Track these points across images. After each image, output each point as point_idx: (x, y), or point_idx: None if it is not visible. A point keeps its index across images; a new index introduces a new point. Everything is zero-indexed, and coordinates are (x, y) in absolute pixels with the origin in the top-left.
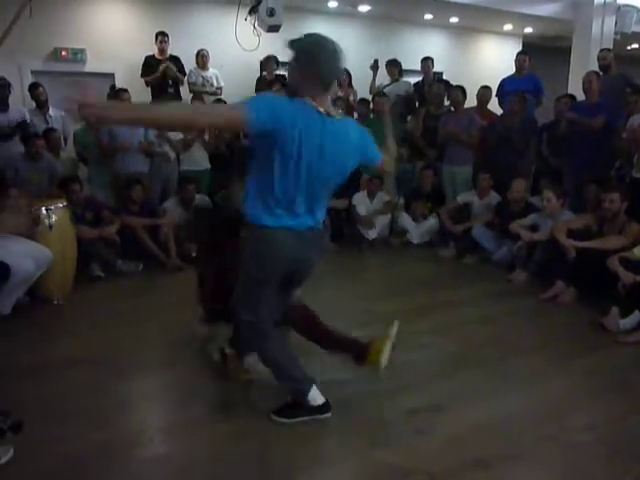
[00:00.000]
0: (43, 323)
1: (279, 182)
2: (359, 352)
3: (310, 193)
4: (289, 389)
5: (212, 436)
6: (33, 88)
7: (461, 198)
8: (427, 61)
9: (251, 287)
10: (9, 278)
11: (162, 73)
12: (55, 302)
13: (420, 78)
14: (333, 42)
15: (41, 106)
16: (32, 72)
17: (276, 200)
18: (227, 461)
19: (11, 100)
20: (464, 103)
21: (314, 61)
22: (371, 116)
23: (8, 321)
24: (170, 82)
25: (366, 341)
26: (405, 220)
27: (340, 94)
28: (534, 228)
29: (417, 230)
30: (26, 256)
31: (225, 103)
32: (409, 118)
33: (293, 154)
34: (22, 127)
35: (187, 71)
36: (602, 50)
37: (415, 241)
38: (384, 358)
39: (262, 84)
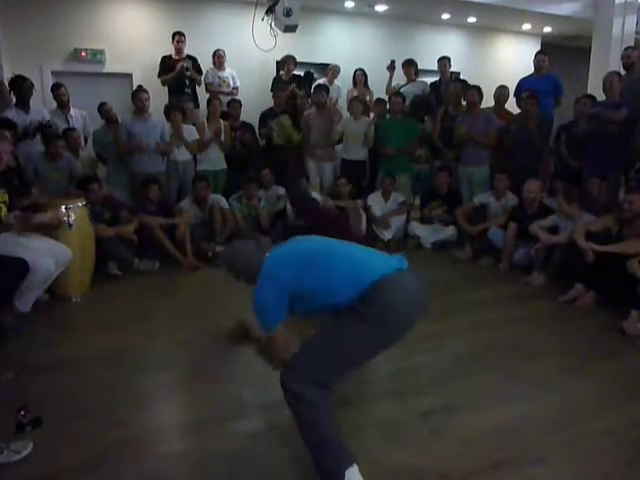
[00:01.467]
0: (62, 321)
1: None
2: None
3: None
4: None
5: (228, 434)
6: (55, 88)
7: (478, 199)
8: (444, 60)
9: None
10: (27, 274)
11: (179, 72)
12: (74, 300)
13: (437, 78)
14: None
15: (63, 106)
16: (52, 73)
17: None
18: (243, 459)
19: (32, 101)
20: (480, 103)
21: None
22: (387, 116)
23: (28, 318)
24: (187, 82)
25: None
26: (416, 228)
27: (355, 94)
28: (554, 229)
29: (430, 236)
30: (46, 254)
31: (240, 103)
32: (426, 119)
33: None
34: (43, 128)
35: (204, 71)
36: (627, 48)
37: (428, 246)
38: None
39: (279, 84)
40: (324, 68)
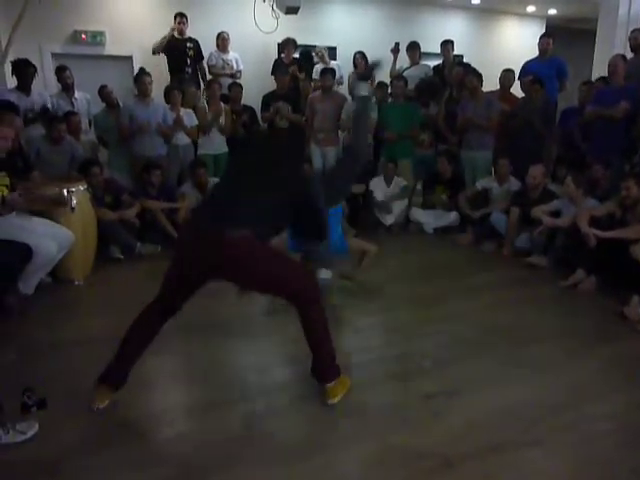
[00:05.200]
0: (65, 303)
1: None
2: (331, 370)
3: None
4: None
5: (230, 417)
6: (60, 71)
7: (480, 184)
8: (447, 45)
9: None
10: (31, 259)
11: (168, 39)
12: (76, 283)
13: (440, 61)
14: None
15: (67, 89)
16: (52, 55)
17: None
18: (244, 442)
19: (32, 83)
20: (480, 87)
21: None
22: (389, 100)
23: (31, 301)
24: (188, 61)
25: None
26: (418, 213)
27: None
28: (557, 214)
29: (432, 222)
30: (49, 237)
31: (241, 86)
32: (431, 103)
33: None
34: (45, 112)
35: (205, 53)
36: (634, 30)
37: (430, 231)
38: (337, 399)
39: (280, 67)
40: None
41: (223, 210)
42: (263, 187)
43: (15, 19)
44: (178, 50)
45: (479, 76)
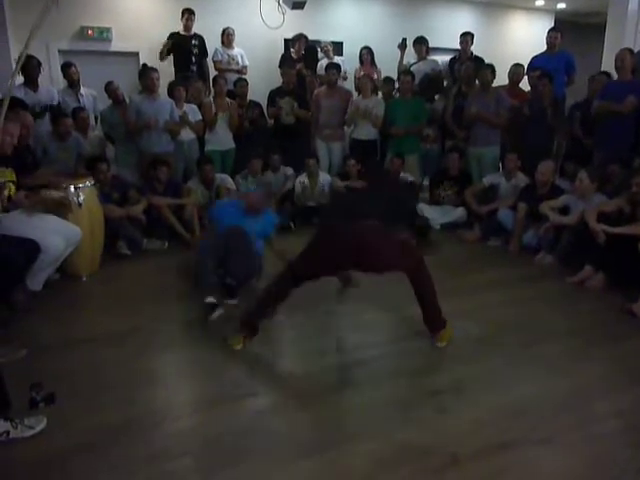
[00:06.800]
0: (72, 299)
1: None
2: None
3: None
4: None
5: (238, 412)
6: (66, 67)
7: (487, 180)
8: (466, 36)
9: None
10: (39, 256)
11: (172, 42)
12: (84, 279)
13: (449, 56)
14: None
15: (73, 85)
16: (59, 51)
17: None
18: (252, 436)
19: (40, 79)
20: (492, 83)
21: None
22: (397, 95)
23: (40, 297)
24: (193, 59)
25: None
26: (425, 209)
27: (362, 72)
28: (565, 210)
29: (439, 218)
30: (56, 234)
31: (247, 82)
32: (436, 97)
33: None
34: (52, 108)
35: (210, 49)
36: None
37: (437, 227)
38: (444, 343)
39: (287, 61)
40: (334, 46)
41: (353, 212)
42: (380, 199)
43: (34, 24)
44: (184, 49)
45: (493, 71)
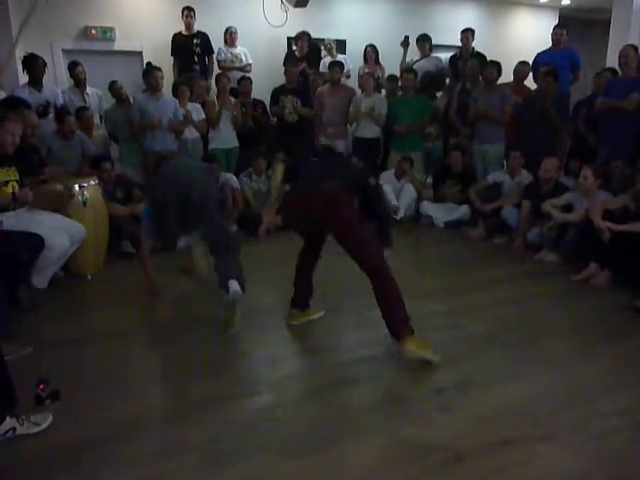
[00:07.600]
0: (77, 297)
1: None
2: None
3: None
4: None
5: (241, 410)
6: (73, 67)
7: (491, 177)
8: (467, 32)
9: None
10: (43, 250)
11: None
12: (88, 277)
13: (452, 53)
14: None
15: (79, 85)
16: (63, 51)
17: None
18: (255, 435)
19: (44, 79)
20: (498, 80)
21: None
22: (399, 93)
23: (45, 295)
24: (196, 59)
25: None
26: (429, 207)
27: (366, 71)
28: (568, 208)
29: (443, 216)
30: (61, 232)
31: (251, 80)
32: (439, 95)
33: None
34: (55, 107)
35: (214, 47)
36: None
37: (441, 225)
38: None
39: (290, 59)
40: (337, 44)
41: (316, 178)
42: (339, 166)
43: (22, 19)
44: (185, 49)
45: (499, 69)
